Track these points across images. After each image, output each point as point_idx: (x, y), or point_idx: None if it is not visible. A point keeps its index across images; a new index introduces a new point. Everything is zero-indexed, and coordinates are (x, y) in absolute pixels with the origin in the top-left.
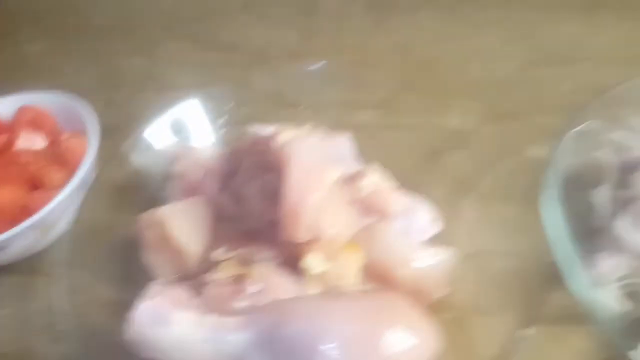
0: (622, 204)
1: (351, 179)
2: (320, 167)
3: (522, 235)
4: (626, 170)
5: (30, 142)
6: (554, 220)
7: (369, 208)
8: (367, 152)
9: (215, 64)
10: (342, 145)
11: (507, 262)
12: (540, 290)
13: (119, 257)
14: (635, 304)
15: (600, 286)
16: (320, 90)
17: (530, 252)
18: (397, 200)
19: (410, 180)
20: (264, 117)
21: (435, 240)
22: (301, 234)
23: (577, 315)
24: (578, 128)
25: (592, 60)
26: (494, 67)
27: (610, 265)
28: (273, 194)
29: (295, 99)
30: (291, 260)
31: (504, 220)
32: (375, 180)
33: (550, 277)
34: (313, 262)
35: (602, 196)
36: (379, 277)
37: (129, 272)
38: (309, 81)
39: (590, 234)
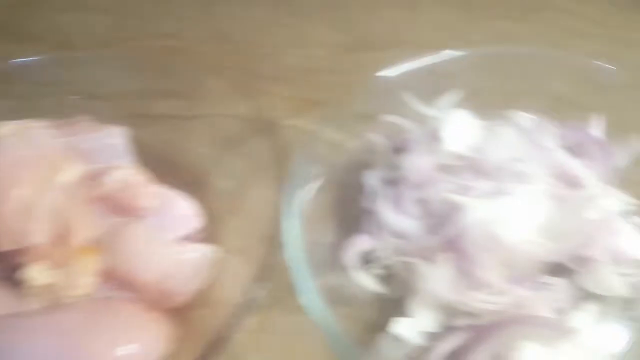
0: (387, 186)
1: (96, 176)
2: (36, 163)
3: None
4: (395, 153)
5: None
6: (291, 225)
7: (116, 206)
8: (163, 144)
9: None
10: (111, 139)
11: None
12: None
13: None
14: (390, 284)
15: (355, 268)
16: (124, 79)
17: None
18: (148, 196)
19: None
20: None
21: (203, 235)
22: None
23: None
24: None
25: (410, 44)
26: (310, 54)
27: (366, 246)
28: None
29: (94, 90)
30: (8, 271)
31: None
32: (124, 176)
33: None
34: (34, 272)
35: (372, 178)
36: (121, 282)
37: None
38: (111, 71)
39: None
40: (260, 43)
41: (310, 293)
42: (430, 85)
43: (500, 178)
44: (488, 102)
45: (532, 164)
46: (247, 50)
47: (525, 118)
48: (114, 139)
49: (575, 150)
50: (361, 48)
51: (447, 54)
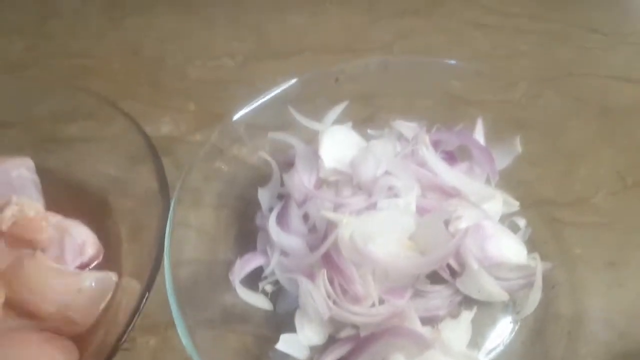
0: (277, 202)
1: None
2: None
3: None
4: (284, 169)
5: None
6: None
7: (17, 240)
8: (68, 169)
9: None
10: (15, 171)
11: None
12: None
13: None
14: (280, 301)
15: (243, 287)
16: (34, 104)
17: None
18: (44, 227)
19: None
20: None
21: (102, 260)
22: None
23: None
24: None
25: (312, 51)
26: (217, 65)
27: (255, 264)
28: None
29: (3, 117)
30: None
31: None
32: (19, 210)
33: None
34: None
35: (263, 195)
36: (24, 313)
37: None
38: (21, 95)
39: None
40: (169, 55)
41: (180, 327)
42: (329, 95)
43: (373, 193)
44: (379, 110)
45: (405, 177)
46: (154, 65)
47: (406, 127)
48: (18, 171)
49: (458, 154)
50: (267, 56)
51: (343, 65)
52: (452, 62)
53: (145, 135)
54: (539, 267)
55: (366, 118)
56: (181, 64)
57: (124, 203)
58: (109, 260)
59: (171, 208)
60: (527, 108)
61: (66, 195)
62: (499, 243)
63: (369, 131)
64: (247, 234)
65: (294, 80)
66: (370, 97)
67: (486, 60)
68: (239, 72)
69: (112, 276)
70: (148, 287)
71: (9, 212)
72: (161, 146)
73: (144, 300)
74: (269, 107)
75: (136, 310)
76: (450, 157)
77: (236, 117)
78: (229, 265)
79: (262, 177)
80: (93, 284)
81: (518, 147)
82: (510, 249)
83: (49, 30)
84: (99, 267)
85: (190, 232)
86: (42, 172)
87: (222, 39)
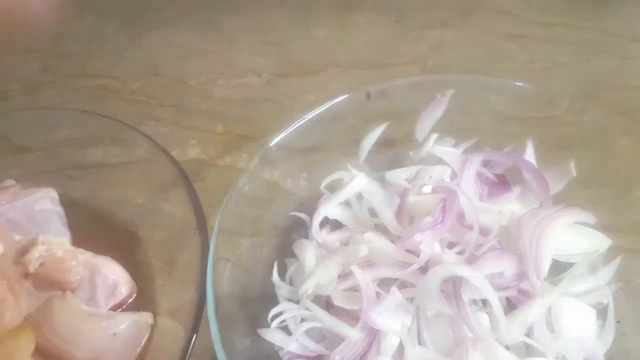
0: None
1: (22, 251)
2: None
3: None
4: None
5: None
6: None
7: (45, 282)
8: (93, 199)
9: None
10: (39, 204)
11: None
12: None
13: None
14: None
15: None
16: (55, 128)
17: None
18: (75, 268)
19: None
20: None
21: (135, 299)
22: None
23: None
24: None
25: (339, 66)
26: (241, 83)
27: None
28: None
29: (24, 142)
30: None
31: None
32: (47, 250)
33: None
34: None
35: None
36: (56, 359)
37: None
38: (41, 120)
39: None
40: (189, 74)
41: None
42: (363, 113)
43: None
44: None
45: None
46: (176, 84)
47: (447, 153)
48: (42, 204)
49: (509, 176)
50: (293, 73)
51: (378, 86)
52: (492, 78)
53: (174, 160)
54: (611, 306)
55: (404, 137)
56: (205, 83)
57: (155, 234)
58: (142, 298)
59: (213, 241)
60: (572, 125)
61: (92, 227)
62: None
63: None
64: (283, 265)
65: (332, 102)
66: (405, 116)
67: (523, 73)
68: (265, 90)
69: (148, 317)
70: (194, 329)
71: (35, 253)
72: (189, 170)
73: (192, 344)
74: (300, 129)
75: (184, 355)
76: (502, 182)
77: (273, 142)
78: (265, 301)
79: (296, 202)
80: (129, 327)
81: (573, 171)
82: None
83: (64, 50)
84: (131, 307)
85: (226, 265)
86: (66, 202)
87: (246, 56)
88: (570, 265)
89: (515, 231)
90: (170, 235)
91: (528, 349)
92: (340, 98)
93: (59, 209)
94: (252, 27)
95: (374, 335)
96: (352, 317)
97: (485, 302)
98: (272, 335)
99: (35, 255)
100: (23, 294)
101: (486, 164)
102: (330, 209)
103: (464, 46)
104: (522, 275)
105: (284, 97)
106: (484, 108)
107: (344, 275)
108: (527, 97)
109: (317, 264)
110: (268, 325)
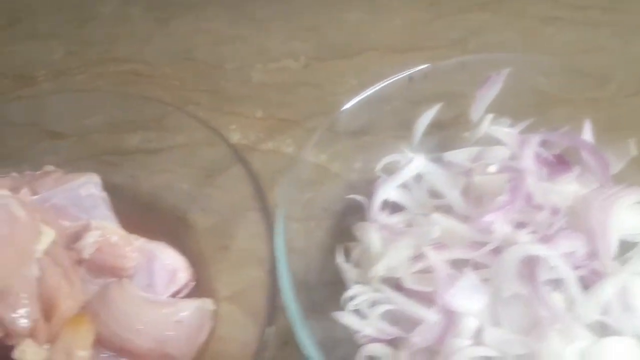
0: None
1: (74, 235)
2: (10, 239)
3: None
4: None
5: None
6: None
7: (100, 268)
8: (136, 184)
9: None
10: (83, 189)
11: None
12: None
13: None
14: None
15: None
16: (87, 113)
17: None
18: (131, 254)
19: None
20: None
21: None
22: None
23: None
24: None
25: (376, 50)
26: (278, 67)
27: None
28: None
29: (57, 128)
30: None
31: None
32: (101, 235)
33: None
34: (26, 352)
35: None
36: (118, 350)
37: None
38: (73, 105)
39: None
40: (223, 59)
41: (304, 340)
42: (410, 96)
43: None
44: (465, 111)
45: None
46: (211, 69)
47: (504, 133)
48: (86, 189)
49: (568, 156)
50: (330, 57)
51: (425, 67)
52: (538, 57)
53: (227, 142)
54: None
55: (452, 119)
56: (241, 68)
57: (204, 220)
58: (198, 285)
59: (281, 225)
60: (622, 106)
61: (137, 213)
62: None
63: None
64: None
65: (382, 85)
66: (452, 97)
67: (562, 57)
68: (303, 74)
69: (209, 304)
70: (270, 318)
71: (90, 238)
72: (233, 156)
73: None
74: (346, 113)
75: (263, 346)
76: (562, 162)
77: (324, 128)
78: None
79: (345, 186)
80: (192, 314)
81: (633, 150)
82: None
83: (88, 35)
84: (190, 295)
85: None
86: (108, 189)
87: (280, 41)
88: (635, 244)
89: (582, 211)
90: (222, 220)
91: (603, 329)
92: (391, 80)
93: (104, 195)
94: (283, 13)
95: (450, 317)
96: (424, 299)
97: (557, 283)
98: (348, 318)
99: (90, 240)
100: (78, 282)
101: (542, 145)
102: (389, 191)
103: (501, 30)
104: (592, 254)
105: (324, 80)
106: (532, 88)
107: (415, 257)
108: (576, 78)
109: (384, 246)
110: (331, 310)
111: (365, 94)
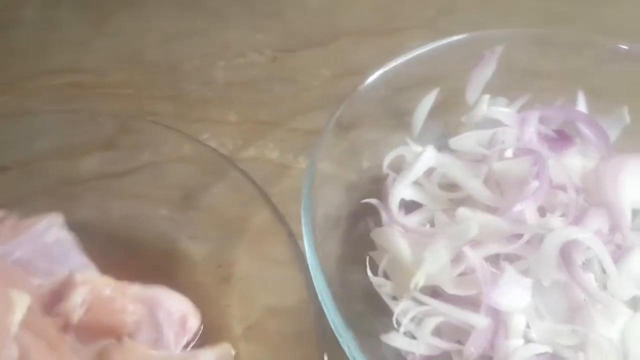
0: None
1: (53, 298)
2: None
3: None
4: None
5: None
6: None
7: (92, 331)
8: (105, 217)
9: None
10: (49, 235)
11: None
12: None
13: None
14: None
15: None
16: (27, 140)
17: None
18: (129, 307)
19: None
20: None
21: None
22: None
23: None
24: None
25: (348, 35)
26: (243, 63)
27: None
28: None
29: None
30: None
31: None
32: (90, 290)
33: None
34: None
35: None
36: None
37: None
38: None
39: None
40: (179, 58)
41: None
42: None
43: None
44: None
45: None
46: (167, 71)
47: (503, 114)
48: (52, 234)
49: (567, 130)
50: (299, 47)
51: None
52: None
53: (212, 149)
54: None
55: (444, 104)
56: (201, 67)
57: (196, 248)
58: (207, 328)
59: (308, 237)
60: (600, 75)
61: (114, 254)
62: None
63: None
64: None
65: (372, 76)
66: (439, 81)
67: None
68: (272, 68)
69: (229, 349)
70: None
71: (77, 297)
72: (213, 170)
73: None
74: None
75: None
76: (563, 136)
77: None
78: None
79: (345, 189)
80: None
81: (626, 118)
82: None
83: (14, 45)
84: (201, 341)
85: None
86: (73, 228)
87: (241, 33)
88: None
89: (594, 185)
90: (216, 246)
91: (635, 302)
92: (380, 71)
93: (72, 237)
94: (239, 1)
95: (498, 319)
96: (466, 304)
97: (586, 264)
98: (400, 341)
99: (78, 299)
100: (67, 353)
101: (543, 121)
102: (404, 189)
103: (473, 8)
104: (613, 228)
105: (296, 73)
106: (513, 64)
107: (453, 259)
108: (550, 50)
109: (416, 252)
110: (366, 327)
111: (363, 85)
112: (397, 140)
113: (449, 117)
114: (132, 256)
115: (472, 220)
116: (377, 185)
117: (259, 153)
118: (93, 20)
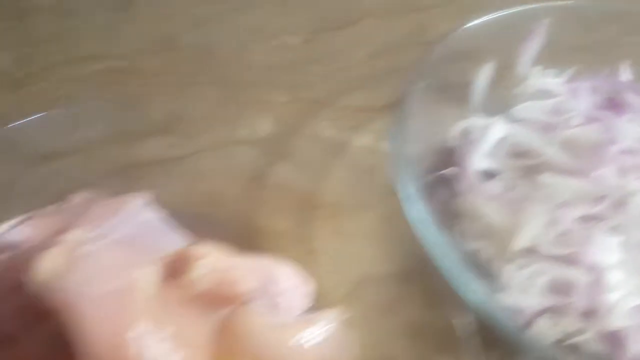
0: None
1: (176, 271)
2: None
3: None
4: None
5: None
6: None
7: (214, 299)
8: (187, 199)
9: None
10: (142, 214)
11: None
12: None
13: None
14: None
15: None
16: (81, 127)
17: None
18: (247, 277)
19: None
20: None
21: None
22: None
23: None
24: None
25: (374, 16)
26: (278, 46)
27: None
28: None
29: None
30: None
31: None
32: (211, 262)
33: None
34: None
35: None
36: None
37: None
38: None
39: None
40: (214, 43)
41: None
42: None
43: None
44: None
45: None
46: (204, 56)
47: (553, 83)
48: (148, 211)
49: (614, 101)
50: (330, 28)
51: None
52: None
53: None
54: None
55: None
56: (237, 51)
57: (274, 225)
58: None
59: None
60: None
61: (197, 231)
62: None
63: None
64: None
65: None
66: (482, 57)
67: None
68: (309, 49)
69: (342, 312)
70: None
71: (202, 269)
72: (272, 148)
73: None
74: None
75: None
76: (615, 105)
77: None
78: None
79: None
80: (328, 332)
81: None
82: None
83: (35, 33)
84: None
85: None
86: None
87: (269, 17)
88: None
89: None
90: (296, 219)
91: None
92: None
93: (164, 214)
94: None
95: (597, 275)
96: (564, 263)
97: None
98: (514, 298)
99: (202, 271)
100: (197, 324)
101: (594, 92)
102: (480, 159)
103: None
104: None
105: (335, 53)
106: (555, 37)
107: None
108: (578, 22)
109: (511, 217)
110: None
111: (432, 56)
112: (453, 113)
113: (500, 90)
114: (215, 233)
115: (561, 184)
116: (441, 157)
117: (316, 130)
118: (116, 6)
